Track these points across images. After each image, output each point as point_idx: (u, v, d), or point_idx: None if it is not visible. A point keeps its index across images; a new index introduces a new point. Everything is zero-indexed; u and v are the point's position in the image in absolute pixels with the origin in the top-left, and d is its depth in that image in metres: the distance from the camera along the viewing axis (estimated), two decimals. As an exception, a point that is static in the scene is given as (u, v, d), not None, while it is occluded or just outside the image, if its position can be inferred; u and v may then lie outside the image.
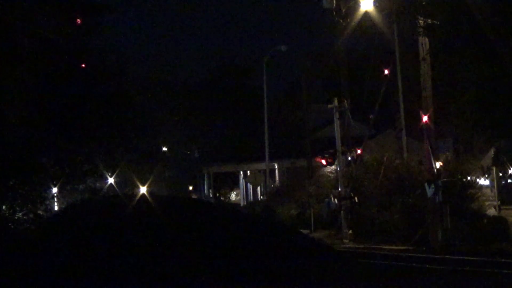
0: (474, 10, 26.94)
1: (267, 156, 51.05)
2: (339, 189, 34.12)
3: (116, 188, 50.23)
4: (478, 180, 39.49)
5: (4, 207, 23.96)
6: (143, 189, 44.25)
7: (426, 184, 27.46)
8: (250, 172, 56.84)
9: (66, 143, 24.57)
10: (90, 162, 26.09)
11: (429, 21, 26.57)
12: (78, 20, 24.66)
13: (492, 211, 33.17)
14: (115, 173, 44.89)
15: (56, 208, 29.88)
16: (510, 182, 48.54)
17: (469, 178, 34.55)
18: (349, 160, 35.57)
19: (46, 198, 25.08)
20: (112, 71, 26.23)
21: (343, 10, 28.11)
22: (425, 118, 27.41)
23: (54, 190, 27.23)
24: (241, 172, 60.52)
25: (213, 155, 64.54)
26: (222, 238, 20.80)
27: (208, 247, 20.29)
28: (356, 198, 33.37)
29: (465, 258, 23.02)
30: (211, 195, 63.27)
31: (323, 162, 35.85)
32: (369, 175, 34.52)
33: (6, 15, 21.86)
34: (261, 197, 53.73)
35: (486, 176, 44.70)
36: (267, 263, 20.05)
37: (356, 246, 30.03)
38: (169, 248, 20.00)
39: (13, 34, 21.89)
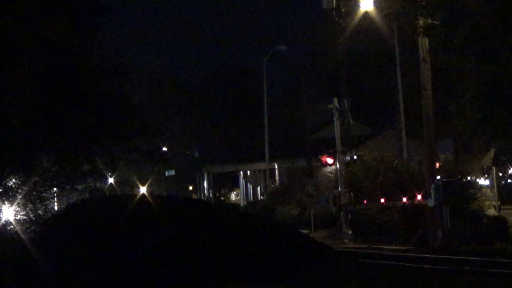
0: (474, 10, 26.95)
1: (267, 156, 51.01)
2: (339, 189, 34.09)
3: (116, 188, 50.33)
4: (478, 180, 39.56)
5: (4, 207, 23.92)
6: (143, 189, 44.32)
7: (428, 199, 27.70)
8: (250, 172, 56.81)
9: (66, 143, 24.48)
10: (90, 162, 25.98)
11: (429, 21, 26.57)
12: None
13: (492, 211, 33.22)
14: (115, 173, 44.91)
15: (56, 208, 29.84)
16: (510, 182, 48.67)
17: (469, 178, 34.61)
18: (349, 160, 35.51)
19: (46, 198, 24.99)
20: (112, 71, 26.11)
21: (343, 10, 28.06)
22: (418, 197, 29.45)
23: (54, 190, 27.15)
24: (241, 172, 60.47)
25: (213, 155, 64.49)
26: (222, 238, 20.81)
27: (208, 247, 20.30)
28: (351, 194, 33.33)
29: (465, 258, 23.02)
30: (211, 195, 63.22)
31: (328, 160, 35.28)
32: (369, 175, 34.52)
33: (6, 15, 21.83)
34: (261, 197, 53.69)
35: (486, 176, 44.79)
36: (267, 263, 20.08)
37: (356, 246, 30.02)
38: (169, 248, 20.02)
39: (13, 34, 21.85)
